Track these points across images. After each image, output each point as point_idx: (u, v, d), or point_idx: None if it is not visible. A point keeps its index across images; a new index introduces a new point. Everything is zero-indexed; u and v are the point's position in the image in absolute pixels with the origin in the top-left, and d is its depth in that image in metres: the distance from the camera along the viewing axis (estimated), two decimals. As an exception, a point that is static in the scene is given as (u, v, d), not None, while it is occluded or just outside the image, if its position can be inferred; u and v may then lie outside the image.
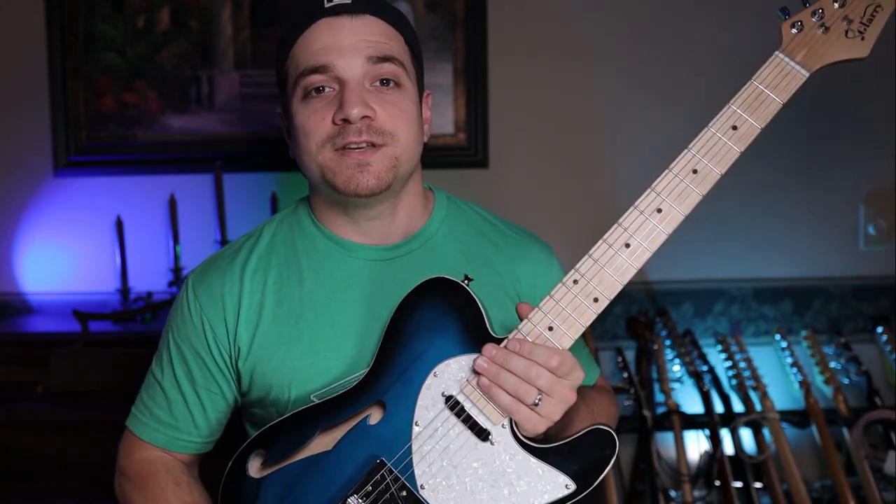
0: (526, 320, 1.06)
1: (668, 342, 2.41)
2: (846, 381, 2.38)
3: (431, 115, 1.31)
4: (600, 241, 1.05)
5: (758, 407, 2.30)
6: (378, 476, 1.07)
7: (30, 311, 2.41)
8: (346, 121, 1.13)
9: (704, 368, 2.36)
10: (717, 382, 2.34)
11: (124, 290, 2.34)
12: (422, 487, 1.06)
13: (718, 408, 2.33)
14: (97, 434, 1.88)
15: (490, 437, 1.05)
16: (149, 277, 2.40)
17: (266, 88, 2.38)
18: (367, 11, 1.17)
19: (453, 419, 1.06)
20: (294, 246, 1.25)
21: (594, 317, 1.04)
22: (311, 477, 1.09)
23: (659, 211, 1.04)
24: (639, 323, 2.40)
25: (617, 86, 2.43)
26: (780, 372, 2.45)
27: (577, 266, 1.05)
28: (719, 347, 2.45)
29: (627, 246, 1.04)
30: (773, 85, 1.04)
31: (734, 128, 1.04)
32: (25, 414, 1.95)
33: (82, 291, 2.41)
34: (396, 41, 1.19)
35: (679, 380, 2.38)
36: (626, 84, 2.43)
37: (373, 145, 1.14)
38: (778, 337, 2.47)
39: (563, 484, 1.04)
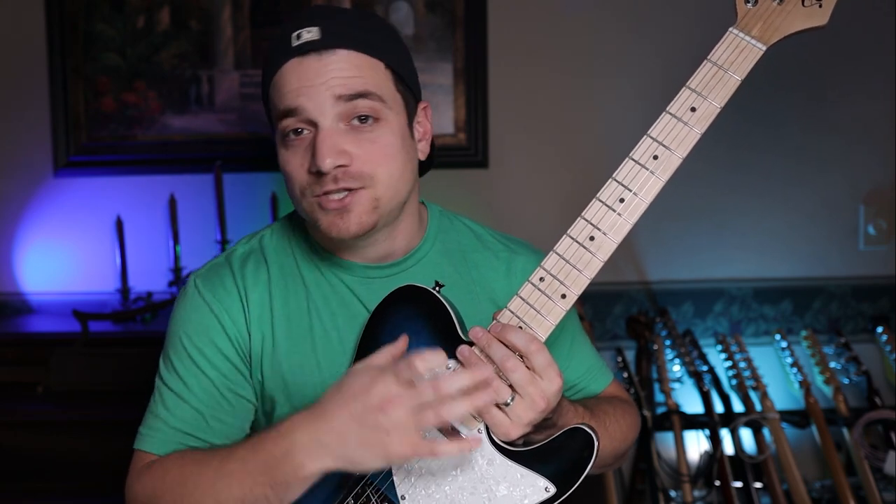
0: (495, 321, 1.04)
1: (668, 342, 2.41)
2: (846, 381, 2.38)
3: (432, 125, 1.24)
4: (564, 236, 1.03)
5: (758, 407, 2.30)
6: (358, 489, 1.06)
7: (30, 311, 2.41)
8: (320, 172, 1.08)
9: (704, 368, 2.36)
10: (717, 382, 2.34)
11: (124, 290, 2.34)
12: (402, 498, 1.05)
13: (718, 408, 2.32)
14: (97, 434, 1.89)
15: None
16: (149, 277, 2.40)
17: (266, 88, 2.38)
18: (337, 45, 1.09)
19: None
20: (294, 259, 1.24)
21: (563, 314, 1.02)
22: None
23: (622, 201, 1.01)
24: (639, 323, 2.40)
25: (617, 85, 2.43)
26: (780, 372, 2.45)
27: (543, 262, 1.03)
28: (719, 347, 2.45)
29: (592, 239, 1.01)
30: (730, 62, 1.01)
31: (693, 109, 1.02)
32: (25, 414, 1.95)
33: (82, 291, 2.41)
34: (372, 71, 1.11)
35: (679, 380, 2.37)
36: (626, 84, 2.42)
37: (351, 191, 1.09)
38: (778, 337, 2.46)
39: (542, 487, 1.02)
